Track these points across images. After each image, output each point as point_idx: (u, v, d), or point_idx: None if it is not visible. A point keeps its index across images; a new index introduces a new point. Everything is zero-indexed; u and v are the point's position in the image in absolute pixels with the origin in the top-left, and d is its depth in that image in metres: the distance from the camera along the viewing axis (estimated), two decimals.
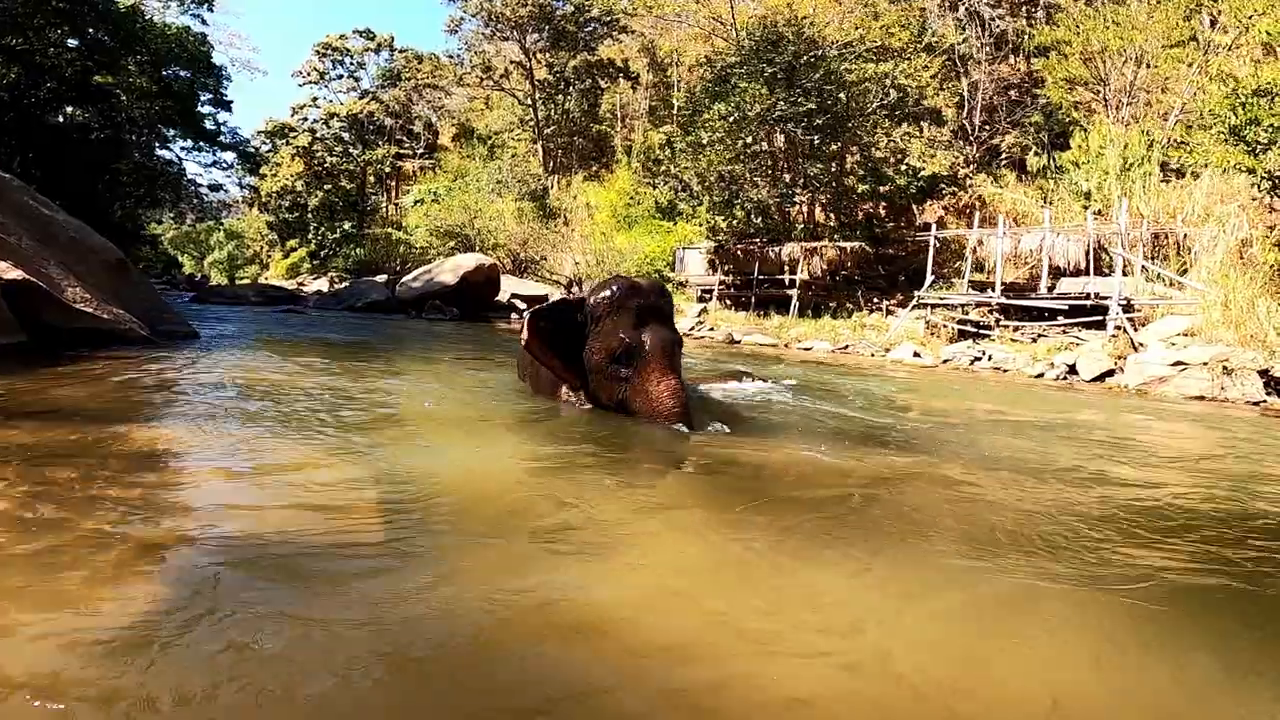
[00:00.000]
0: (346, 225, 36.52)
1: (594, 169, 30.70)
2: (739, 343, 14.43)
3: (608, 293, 4.65)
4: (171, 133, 25.99)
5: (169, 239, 41.05)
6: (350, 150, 38.66)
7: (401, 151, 39.32)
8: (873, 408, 5.69)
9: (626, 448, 3.74)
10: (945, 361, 11.52)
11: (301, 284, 31.52)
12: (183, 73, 23.43)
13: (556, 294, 20.31)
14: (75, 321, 6.90)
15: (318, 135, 38.54)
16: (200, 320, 11.19)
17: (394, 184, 41.11)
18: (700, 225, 20.13)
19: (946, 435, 4.62)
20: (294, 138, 38.85)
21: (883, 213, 19.26)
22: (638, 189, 24.18)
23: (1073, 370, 10.19)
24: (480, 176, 30.84)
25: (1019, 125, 19.16)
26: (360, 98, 39.03)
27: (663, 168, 21.13)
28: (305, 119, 40.02)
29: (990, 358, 11.32)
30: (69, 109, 19.37)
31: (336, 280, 29.84)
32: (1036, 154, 17.75)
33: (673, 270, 20.66)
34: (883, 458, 3.70)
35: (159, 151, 25.62)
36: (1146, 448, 4.68)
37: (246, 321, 12.14)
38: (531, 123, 31.85)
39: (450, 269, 19.31)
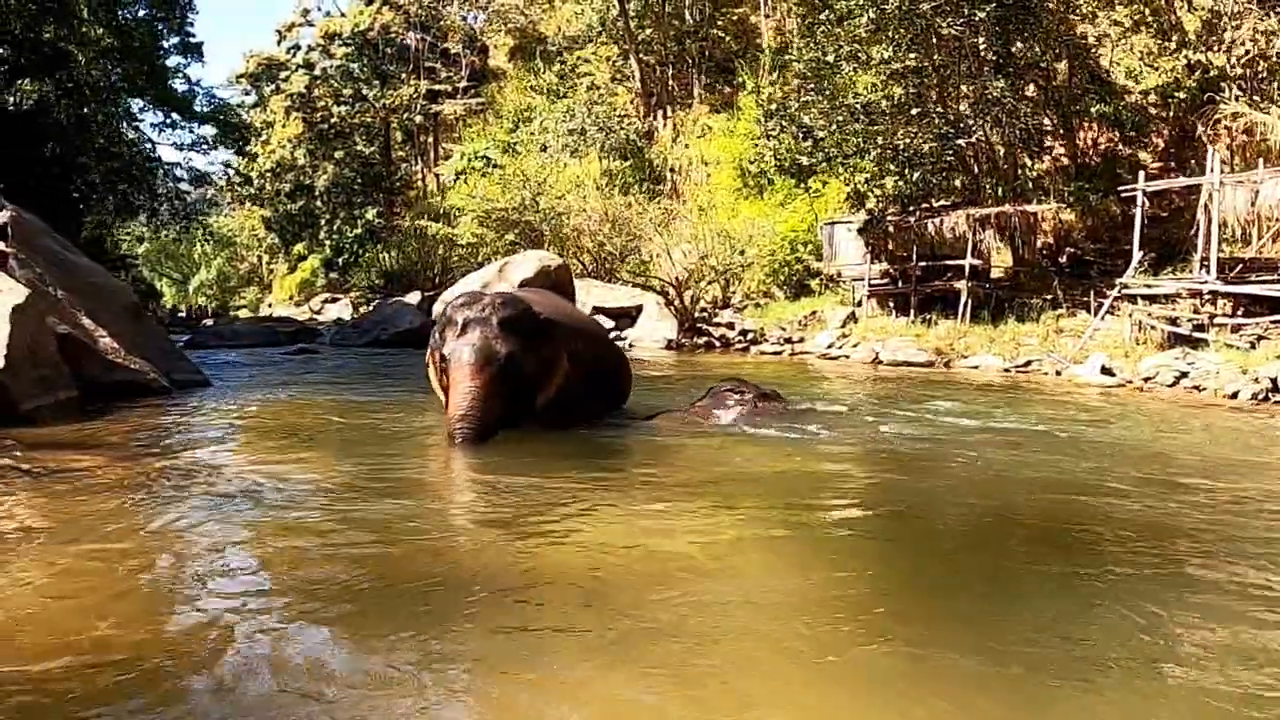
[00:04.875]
0: (370, 214, 35.99)
1: (722, 96, 28.09)
2: (881, 362, 15.20)
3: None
4: (138, 105, 28.67)
5: (142, 256, 42.44)
6: (364, 91, 36.87)
7: (436, 87, 36.57)
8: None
9: None
10: (1148, 380, 11.79)
11: (316, 312, 31.64)
12: (141, 12, 25.96)
13: (653, 303, 20.32)
14: (110, 374, 8.85)
15: (316, 74, 37.12)
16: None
17: (431, 141, 38.59)
18: (849, 188, 19.79)
19: None
20: (286, 81, 37.55)
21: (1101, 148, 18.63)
22: (755, 138, 23.53)
23: (1276, 388, 10.29)
24: (547, 124, 29.92)
25: None
26: (369, 3, 36.74)
27: (773, 106, 20.58)
28: (296, 47, 38.76)
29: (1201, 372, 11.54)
30: (25, 83, 21.20)
31: (360, 302, 30.18)
32: None
33: (821, 257, 20.65)
34: None
35: (126, 132, 28.19)
36: None
37: (253, 368, 13.61)
38: (620, 26, 29.36)
39: (504, 278, 19.56)
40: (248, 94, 40.28)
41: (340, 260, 37.03)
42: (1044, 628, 3.12)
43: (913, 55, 17.36)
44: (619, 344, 20.03)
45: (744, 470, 5.93)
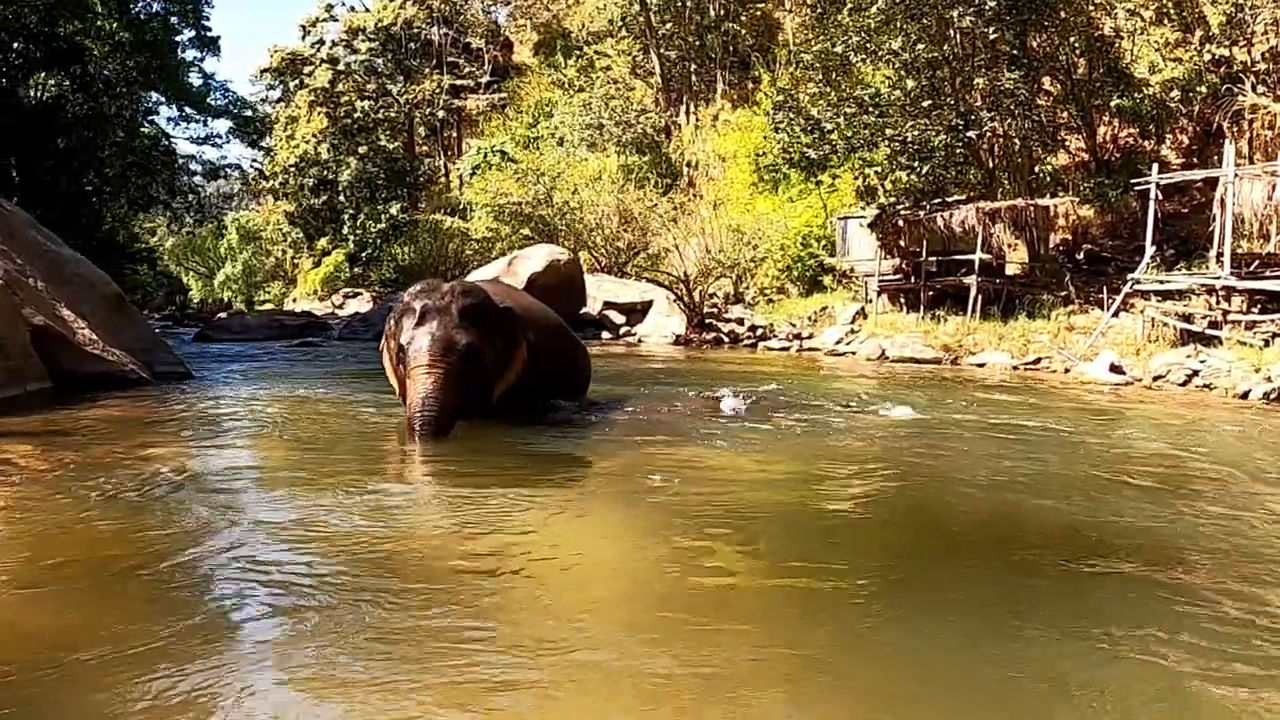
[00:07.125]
0: (394, 209, 36.43)
1: (743, 91, 28.19)
2: (887, 359, 15.02)
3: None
4: (153, 99, 29.37)
5: (168, 250, 43.05)
6: (388, 87, 37.93)
7: (459, 82, 37.70)
8: None
9: None
10: (1158, 378, 11.59)
11: (338, 307, 31.91)
12: (155, 6, 26.56)
13: (663, 298, 20.23)
14: (85, 365, 9.00)
15: (340, 69, 38.04)
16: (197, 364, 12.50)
17: (454, 136, 39.89)
18: (860, 182, 19.66)
19: None
20: (310, 76, 38.34)
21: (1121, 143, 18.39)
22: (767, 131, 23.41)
23: None
24: (565, 119, 30.19)
25: None
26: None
27: (781, 99, 20.50)
28: (321, 42, 39.69)
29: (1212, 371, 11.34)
30: (40, 76, 21.64)
31: (380, 297, 30.27)
32: None
33: (834, 252, 20.46)
34: None
35: (142, 127, 28.77)
36: None
37: (245, 361, 13.91)
38: (641, 21, 29.67)
39: (512, 272, 19.58)
40: (272, 89, 40.85)
41: (364, 255, 37.25)
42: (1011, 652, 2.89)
43: (922, 46, 17.15)
44: (629, 339, 20.28)
45: (701, 476, 5.67)
